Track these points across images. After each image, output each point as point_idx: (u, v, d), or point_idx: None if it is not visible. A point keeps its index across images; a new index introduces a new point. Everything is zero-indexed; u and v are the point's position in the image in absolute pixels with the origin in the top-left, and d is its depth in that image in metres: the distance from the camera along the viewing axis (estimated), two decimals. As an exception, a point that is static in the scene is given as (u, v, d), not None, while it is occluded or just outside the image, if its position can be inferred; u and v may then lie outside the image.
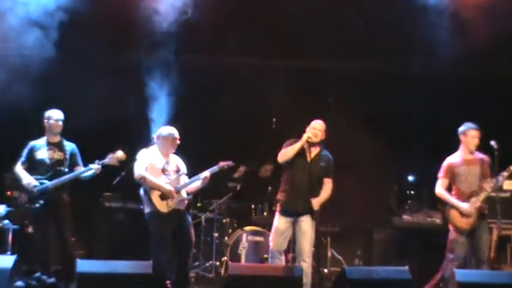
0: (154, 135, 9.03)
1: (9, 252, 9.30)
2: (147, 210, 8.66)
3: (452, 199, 8.62)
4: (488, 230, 8.67)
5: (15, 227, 9.57)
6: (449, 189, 8.73)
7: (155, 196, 8.58)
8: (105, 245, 10.39)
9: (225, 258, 10.11)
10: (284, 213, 8.55)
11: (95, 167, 8.74)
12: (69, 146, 8.98)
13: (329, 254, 10.60)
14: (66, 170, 8.82)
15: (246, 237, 10.15)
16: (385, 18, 10.40)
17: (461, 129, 8.71)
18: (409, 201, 10.78)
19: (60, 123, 8.94)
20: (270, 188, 10.35)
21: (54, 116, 8.93)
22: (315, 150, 8.56)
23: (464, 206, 8.51)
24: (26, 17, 9.58)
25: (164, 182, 8.62)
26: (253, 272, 7.73)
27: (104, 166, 8.80)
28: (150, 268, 7.51)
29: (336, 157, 8.98)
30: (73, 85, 10.49)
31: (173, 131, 8.87)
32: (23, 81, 9.55)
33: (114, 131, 10.26)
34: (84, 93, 10.33)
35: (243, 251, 10.09)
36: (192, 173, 8.95)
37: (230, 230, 10.48)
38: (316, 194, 8.45)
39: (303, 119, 8.73)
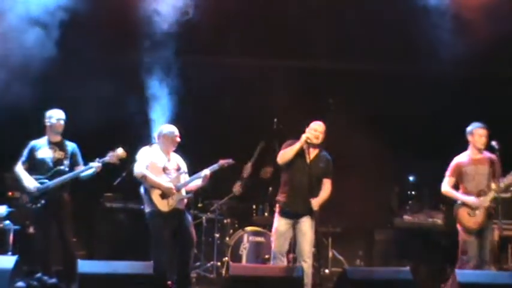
0: (155, 134, 9.04)
1: (10, 253, 9.30)
2: (147, 209, 8.66)
3: (458, 194, 8.62)
4: (492, 231, 8.65)
5: (16, 227, 9.57)
6: (455, 188, 8.72)
7: (155, 195, 8.59)
8: (106, 246, 10.39)
9: (226, 258, 10.11)
10: (284, 214, 8.55)
11: (95, 165, 8.74)
12: (70, 145, 8.98)
13: (330, 254, 10.59)
14: (67, 169, 8.81)
15: (247, 238, 10.14)
16: (386, 19, 10.41)
17: (468, 129, 8.71)
18: (410, 202, 10.78)
19: (62, 122, 8.93)
20: (270, 188, 10.34)
21: (56, 115, 8.92)
22: (314, 151, 8.57)
23: (471, 199, 8.50)
24: (27, 16, 9.57)
25: (165, 181, 8.63)
26: (254, 273, 7.74)
27: (104, 164, 8.79)
28: (151, 268, 7.52)
29: (337, 158, 8.97)
30: (73, 85, 10.50)
31: (173, 129, 8.90)
32: (24, 81, 9.54)
33: (115, 131, 10.25)
34: (85, 93, 10.34)
35: (244, 251, 10.09)
36: (192, 173, 8.96)
37: (231, 231, 10.48)
38: (316, 194, 8.44)
39: (304, 120, 8.73)
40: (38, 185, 8.65)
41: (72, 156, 8.91)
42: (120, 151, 8.77)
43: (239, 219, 10.65)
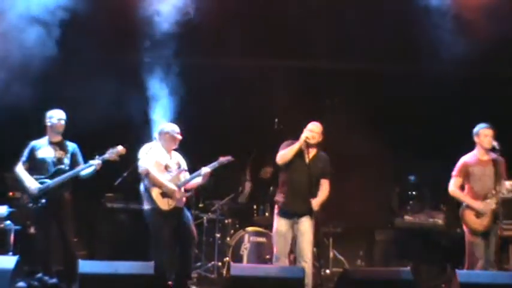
0: (155, 133, 9.05)
1: (11, 253, 9.31)
2: (146, 207, 8.68)
3: (466, 198, 8.59)
4: (498, 232, 8.63)
5: (17, 227, 9.58)
6: (461, 188, 8.70)
7: (156, 193, 8.62)
8: (107, 246, 10.39)
9: (227, 258, 10.10)
10: (283, 214, 8.56)
11: (95, 163, 8.72)
12: (71, 145, 8.98)
13: (331, 254, 10.59)
14: (67, 168, 8.81)
15: (248, 238, 10.14)
16: (387, 19, 10.40)
17: (474, 130, 8.70)
18: (410, 202, 10.77)
19: (63, 122, 8.93)
20: (271, 188, 10.35)
21: (57, 115, 8.92)
22: (312, 151, 8.60)
23: (478, 204, 8.48)
24: (27, 15, 9.56)
25: (167, 179, 8.67)
26: (255, 273, 7.73)
27: (104, 161, 8.78)
28: (152, 269, 7.52)
29: (338, 158, 8.98)
30: (74, 85, 10.50)
31: (175, 127, 8.95)
32: (24, 81, 9.53)
33: (115, 132, 10.25)
34: (85, 93, 10.34)
35: (245, 251, 10.08)
36: (192, 172, 8.99)
37: (232, 231, 10.48)
38: (314, 194, 8.47)
39: (304, 120, 8.74)
40: (39, 185, 8.65)
41: (73, 156, 8.91)
42: (119, 148, 8.77)
43: (240, 219, 10.66)
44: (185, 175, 8.94)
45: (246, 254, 10.08)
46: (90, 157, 8.88)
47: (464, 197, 8.61)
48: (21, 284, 8.49)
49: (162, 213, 8.62)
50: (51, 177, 8.70)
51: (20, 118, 10.11)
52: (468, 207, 8.56)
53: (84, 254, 9.81)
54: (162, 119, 9.75)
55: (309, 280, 8.27)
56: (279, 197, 8.62)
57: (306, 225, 8.46)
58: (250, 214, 10.64)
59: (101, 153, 8.78)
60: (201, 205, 10.65)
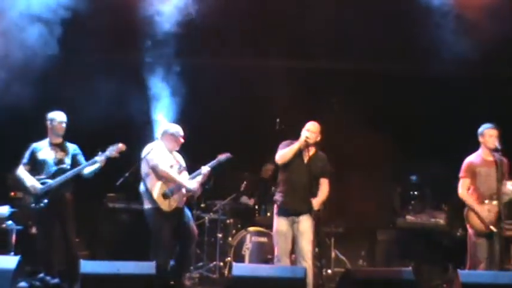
0: (159, 132, 9.05)
1: (12, 253, 9.32)
2: (147, 206, 8.70)
3: (474, 204, 8.51)
4: (502, 233, 8.59)
5: (18, 227, 9.59)
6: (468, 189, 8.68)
7: (158, 194, 8.64)
8: (109, 246, 10.40)
9: (229, 258, 10.10)
10: (283, 213, 8.56)
11: (99, 159, 8.72)
12: (72, 147, 8.98)
13: (333, 254, 10.58)
14: (68, 167, 8.81)
15: (249, 238, 10.13)
16: (389, 19, 10.40)
17: (479, 130, 8.66)
18: (412, 202, 10.75)
19: (64, 125, 8.93)
20: (273, 188, 10.34)
21: (57, 118, 8.92)
22: (311, 150, 8.63)
23: (484, 212, 8.43)
24: (28, 13, 9.55)
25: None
26: (257, 273, 7.71)
27: (106, 158, 8.78)
28: (154, 269, 7.51)
29: (340, 158, 8.98)
30: (75, 85, 10.50)
31: (179, 129, 8.96)
32: (24, 81, 9.53)
33: (117, 132, 10.24)
34: (86, 93, 10.34)
35: (246, 251, 10.07)
36: (193, 172, 9.01)
37: (234, 231, 10.48)
38: (314, 193, 8.48)
39: (306, 120, 8.74)
40: (40, 185, 8.66)
41: (74, 157, 8.90)
42: (119, 145, 8.78)
43: (242, 219, 10.65)
44: (185, 174, 8.95)
45: (248, 254, 10.07)
46: (91, 157, 8.88)
47: (472, 203, 8.52)
48: (23, 284, 8.50)
49: (164, 214, 8.64)
50: (53, 177, 8.71)
51: (20, 118, 10.12)
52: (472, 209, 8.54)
53: (86, 254, 9.82)
54: (163, 119, 9.76)
55: (309, 280, 8.26)
56: (278, 197, 8.63)
57: (305, 224, 8.46)
58: (252, 214, 10.64)
59: (103, 151, 8.77)
60: (202, 205, 10.65)
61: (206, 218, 10.55)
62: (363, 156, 10.69)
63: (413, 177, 11.26)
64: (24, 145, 8.98)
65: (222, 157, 9.06)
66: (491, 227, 8.37)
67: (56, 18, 9.60)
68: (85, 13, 9.78)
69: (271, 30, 10.79)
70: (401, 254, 10.44)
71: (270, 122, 10.11)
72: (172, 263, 8.85)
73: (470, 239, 8.58)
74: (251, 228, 10.24)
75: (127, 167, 9.42)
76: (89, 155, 8.92)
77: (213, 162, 9.01)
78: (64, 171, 8.74)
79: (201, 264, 10.36)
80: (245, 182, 10.74)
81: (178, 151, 9.07)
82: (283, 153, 8.55)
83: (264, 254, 9.97)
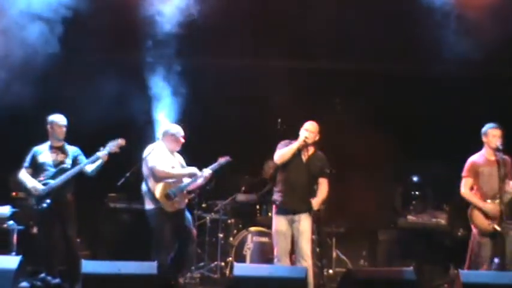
0: (160, 132, 9.06)
1: (14, 253, 9.31)
2: (150, 206, 8.71)
3: (477, 200, 8.51)
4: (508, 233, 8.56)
5: (20, 227, 9.59)
6: (470, 189, 8.65)
7: (161, 195, 8.64)
8: (110, 246, 10.42)
9: (230, 258, 10.12)
10: (281, 212, 8.56)
11: (101, 154, 8.71)
12: (72, 149, 8.99)
13: (334, 254, 10.58)
14: (69, 167, 8.82)
15: (251, 238, 10.14)
16: (390, 19, 10.40)
17: (483, 130, 8.63)
18: (413, 202, 10.76)
19: (64, 128, 8.94)
20: (274, 188, 10.34)
21: (58, 121, 8.93)
22: (310, 150, 8.63)
23: (489, 207, 8.42)
24: (29, 12, 9.55)
25: (172, 181, 8.70)
26: (258, 273, 7.71)
27: (108, 154, 8.77)
28: (155, 269, 7.51)
29: (341, 158, 8.97)
30: (76, 85, 10.51)
31: (180, 130, 8.97)
32: (25, 81, 9.53)
33: (118, 132, 10.24)
34: (87, 93, 10.35)
35: (248, 251, 10.08)
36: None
37: (235, 231, 10.48)
38: (312, 193, 8.50)
39: (308, 120, 8.74)
40: (42, 186, 8.67)
41: (75, 159, 8.91)
42: (119, 140, 8.78)
43: (243, 219, 10.65)
44: None
45: (249, 254, 10.08)
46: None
47: (476, 200, 8.52)
48: (24, 284, 8.51)
49: (166, 214, 8.65)
50: (53, 178, 8.71)
51: (21, 118, 10.14)
52: (476, 207, 8.52)
53: (87, 254, 9.83)
54: (165, 119, 9.77)
55: (310, 279, 8.26)
56: (277, 196, 8.64)
57: (304, 224, 8.47)
58: (253, 214, 10.64)
59: (104, 147, 8.77)
60: (204, 205, 10.65)
61: (207, 218, 10.57)
62: (364, 156, 10.68)
63: (415, 177, 11.26)
64: (25, 145, 8.99)
65: (223, 160, 9.08)
66: (495, 226, 8.35)
67: (57, 17, 9.59)
68: (86, 13, 9.78)
69: (273, 30, 10.80)
70: (402, 254, 10.44)
71: (271, 122, 10.11)
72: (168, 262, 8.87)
73: (474, 239, 8.55)
74: (252, 228, 10.24)
75: (128, 167, 9.45)
76: (90, 155, 8.92)
77: (214, 165, 9.02)
78: (65, 170, 8.75)
79: (202, 264, 10.38)
80: (243, 188, 10.74)
81: (179, 151, 9.08)
82: (282, 153, 8.56)
83: (265, 254, 9.96)
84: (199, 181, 8.97)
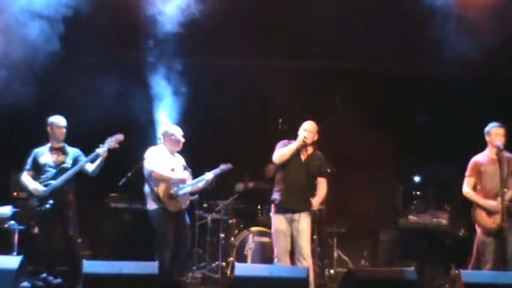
0: (160, 134, 9.06)
1: (15, 253, 9.30)
2: (153, 206, 8.71)
3: (479, 198, 8.51)
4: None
5: (21, 227, 9.57)
6: (474, 188, 8.63)
7: (164, 195, 8.65)
8: (111, 246, 10.42)
9: (231, 258, 10.12)
10: (280, 211, 8.56)
11: (101, 151, 8.69)
12: (73, 150, 8.98)
13: (335, 254, 10.58)
14: (70, 166, 8.81)
15: (252, 238, 10.14)
16: (390, 19, 10.40)
17: (486, 129, 8.62)
18: (415, 202, 10.75)
19: (64, 130, 8.93)
20: (273, 187, 10.33)
21: (58, 122, 8.92)
22: (309, 150, 8.65)
23: (491, 203, 8.41)
24: (29, 10, 9.54)
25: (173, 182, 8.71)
26: (259, 273, 7.71)
27: (108, 150, 8.76)
28: (156, 269, 7.50)
29: (341, 158, 8.97)
30: (77, 85, 10.51)
31: (179, 131, 8.97)
32: (26, 81, 9.53)
33: (118, 131, 10.24)
34: (88, 93, 10.35)
35: (249, 251, 10.09)
36: (194, 173, 9.00)
37: (236, 231, 10.48)
38: (311, 192, 8.51)
39: (308, 120, 8.74)
40: (43, 187, 8.66)
41: (75, 160, 8.89)
42: (117, 135, 8.76)
43: (244, 219, 10.65)
44: (188, 176, 8.98)
45: (250, 254, 10.08)
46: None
47: (477, 198, 8.52)
48: (25, 284, 8.49)
49: (170, 214, 8.67)
50: (54, 178, 8.71)
51: (21, 118, 10.13)
52: (479, 205, 8.50)
53: (88, 254, 9.84)
54: (165, 119, 9.77)
55: (311, 279, 8.26)
56: (276, 196, 8.64)
57: (303, 223, 8.47)
58: (254, 214, 10.64)
59: (103, 143, 8.75)
60: (205, 205, 10.65)
61: (209, 218, 10.56)
62: (364, 156, 10.69)
63: (416, 177, 11.26)
64: (26, 145, 8.98)
65: (225, 167, 9.14)
66: (498, 220, 8.35)
67: (58, 16, 9.58)
68: (87, 12, 9.77)
69: (273, 30, 10.79)
70: (403, 254, 10.44)
71: (271, 122, 10.11)
72: None
73: (478, 238, 8.53)
74: (253, 228, 10.24)
75: (129, 167, 9.45)
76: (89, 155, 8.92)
77: (216, 170, 9.09)
78: (65, 171, 8.74)
79: (203, 264, 10.38)
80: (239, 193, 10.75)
81: (179, 152, 9.08)
82: (281, 152, 8.58)
83: (267, 254, 9.95)
84: (201, 184, 9.01)
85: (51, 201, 8.63)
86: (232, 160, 9.38)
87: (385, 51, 10.88)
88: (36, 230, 9.29)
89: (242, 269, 7.82)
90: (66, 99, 10.03)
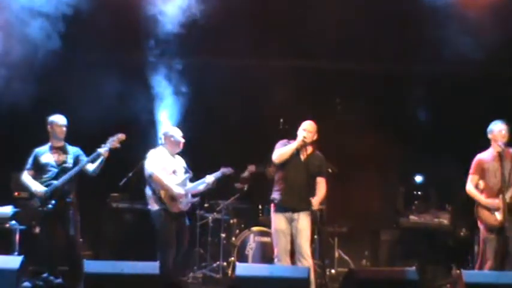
0: (161, 135, 9.06)
1: (16, 253, 9.30)
2: (155, 207, 8.70)
3: (481, 197, 8.51)
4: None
5: (22, 227, 9.57)
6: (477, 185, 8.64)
7: (166, 196, 8.64)
8: (112, 246, 10.42)
9: (232, 258, 10.12)
10: (280, 210, 8.55)
11: (102, 151, 8.68)
12: (73, 149, 8.96)
13: (336, 254, 10.59)
14: (71, 166, 8.81)
15: (253, 238, 10.14)
16: (391, 19, 10.40)
17: (489, 127, 8.64)
18: (416, 202, 10.74)
19: (64, 128, 8.91)
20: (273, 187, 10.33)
21: (58, 121, 8.90)
22: (308, 149, 8.64)
23: (493, 202, 8.41)
24: (29, 8, 9.54)
25: (176, 183, 8.72)
26: (260, 273, 7.71)
27: (109, 150, 8.75)
28: (157, 269, 7.50)
29: (342, 158, 8.96)
30: (78, 84, 10.52)
31: (178, 131, 8.96)
32: (26, 81, 9.53)
33: (119, 131, 10.24)
34: (89, 92, 10.35)
35: (250, 251, 10.09)
36: (196, 173, 9.00)
37: (237, 231, 10.48)
38: (311, 192, 8.49)
39: (310, 120, 8.74)
40: (45, 188, 8.66)
41: (76, 159, 8.88)
42: (119, 134, 8.74)
43: (245, 219, 10.65)
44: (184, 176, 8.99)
45: (251, 254, 10.09)
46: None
47: (479, 196, 8.53)
48: (26, 284, 8.49)
49: (172, 215, 8.67)
50: (56, 178, 8.70)
51: (22, 117, 10.13)
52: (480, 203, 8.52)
53: (90, 254, 9.84)
54: (166, 120, 9.77)
55: (311, 278, 8.25)
56: (275, 195, 8.64)
57: (303, 223, 8.46)
58: (255, 214, 10.64)
59: (105, 143, 8.75)
60: (206, 205, 10.65)
61: (210, 217, 10.57)
62: (365, 156, 10.70)
63: (417, 177, 11.26)
64: (26, 144, 8.98)
65: (226, 171, 9.20)
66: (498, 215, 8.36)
67: (59, 14, 9.57)
68: (88, 11, 9.77)
69: (273, 30, 10.80)
70: (404, 254, 10.44)
71: (271, 122, 10.12)
72: None
73: (481, 236, 8.54)
74: (254, 228, 10.24)
75: (130, 166, 9.45)
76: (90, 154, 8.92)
77: (217, 174, 9.11)
78: (67, 170, 8.73)
79: (204, 264, 10.39)
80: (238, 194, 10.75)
81: (185, 155, 9.07)
82: (281, 152, 8.58)
83: (268, 253, 9.94)
84: (201, 187, 9.02)
85: (52, 202, 8.62)
86: (232, 160, 9.39)
87: (385, 51, 10.87)
88: (37, 230, 9.28)
89: (243, 269, 7.81)
90: (66, 98, 10.02)
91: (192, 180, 9.00)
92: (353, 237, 10.85)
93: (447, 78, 10.93)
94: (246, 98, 11.19)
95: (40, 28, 9.53)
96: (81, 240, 9.05)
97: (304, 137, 8.53)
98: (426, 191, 10.95)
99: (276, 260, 8.60)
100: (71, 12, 9.62)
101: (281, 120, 9.98)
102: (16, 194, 9.79)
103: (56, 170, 8.74)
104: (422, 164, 11.08)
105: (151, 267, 7.54)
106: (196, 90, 10.57)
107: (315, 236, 9.62)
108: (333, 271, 10.43)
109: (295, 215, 8.46)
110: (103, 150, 8.68)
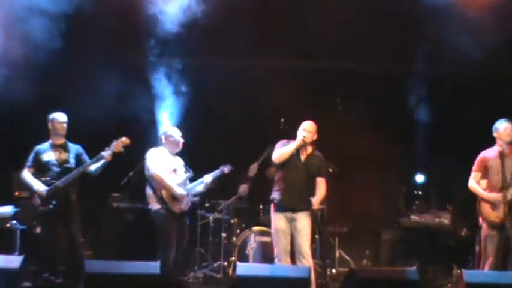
0: (161, 135, 9.06)
1: (16, 253, 9.30)
2: (156, 207, 8.70)
3: (483, 192, 8.52)
4: None
5: (23, 227, 9.58)
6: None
7: (168, 196, 8.65)
8: (113, 245, 10.41)
9: (233, 258, 10.11)
10: (280, 209, 8.55)
11: (106, 154, 8.67)
12: (74, 147, 8.97)
13: (337, 254, 10.59)
14: (73, 166, 8.81)
15: (253, 238, 10.14)
16: (391, 19, 10.40)
17: (494, 126, 8.64)
18: (417, 202, 10.76)
19: (65, 125, 8.91)
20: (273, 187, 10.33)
21: (59, 118, 8.90)
22: (308, 149, 8.64)
23: (495, 196, 8.42)
24: (30, 6, 9.54)
25: (177, 183, 8.73)
26: (261, 273, 7.70)
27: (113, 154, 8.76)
28: (158, 268, 7.49)
29: (343, 158, 8.95)
30: (78, 84, 10.52)
31: (177, 131, 8.97)
32: (27, 81, 9.53)
33: (121, 131, 10.24)
34: (90, 92, 10.34)
35: (250, 251, 10.09)
36: (196, 173, 9.01)
37: (238, 231, 10.48)
38: (310, 192, 8.50)
39: (310, 120, 8.75)
40: (46, 187, 8.65)
41: (78, 157, 8.89)
42: (123, 138, 8.75)
43: (246, 219, 10.65)
44: (183, 176, 9.00)
45: (252, 254, 10.09)
46: (95, 156, 8.86)
47: (481, 191, 8.54)
48: (27, 283, 8.49)
49: (173, 215, 8.68)
50: (58, 178, 8.69)
51: (23, 116, 10.13)
52: (484, 199, 8.50)
53: (91, 253, 9.84)
54: (166, 120, 9.77)
55: (312, 278, 8.25)
56: (275, 195, 8.64)
57: (303, 222, 8.46)
58: (256, 214, 10.64)
59: (109, 146, 8.75)
60: (207, 205, 10.65)
61: (210, 217, 10.57)
62: (366, 156, 10.71)
63: (418, 177, 11.27)
64: (27, 143, 8.97)
65: (225, 169, 9.18)
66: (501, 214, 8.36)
67: (60, 13, 9.58)
68: (89, 10, 9.77)
69: (273, 30, 10.80)
70: (405, 253, 10.45)
71: (271, 122, 10.12)
72: None
73: (483, 233, 8.54)
74: (255, 228, 10.24)
75: (131, 166, 9.45)
76: (92, 155, 8.90)
77: (216, 172, 9.11)
78: (69, 170, 8.73)
79: (205, 264, 10.39)
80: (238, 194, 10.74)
81: (185, 155, 9.07)
82: (281, 152, 8.58)
83: (268, 253, 9.92)
84: (200, 188, 9.03)
85: (54, 202, 8.62)
86: (232, 160, 9.39)
87: (385, 51, 10.87)
88: (38, 229, 9.29)
89: (244, 269, 7.80)
90: (67, 97, 10.01)
91: (192, 180, 9.01)
92: (354, 237, 10.85)
93: (447, 78, 10.93)
94: (246, 98, 11.19)
95: (41, 27, 9.53)
96: (82, 239, 9.05)
97: (304, 137, 8.53)
98: (427, 191, 10.96)
99: (276, 260, 8.60)
100: (72, 11, 9.62)
101: (282, 120, 9.98)
102: (17, 193, 9.80)
103: (57, 169, 8.74)
104: (422, 164, 11.08)
105: (152, 267, 7.52)
106: (196, 90, 10.57)
107: (316, 236, 9.64)
108: (333, 271, 10.43)
109: (295, 215, 8.46)
110: (106, 153, 8.68)
